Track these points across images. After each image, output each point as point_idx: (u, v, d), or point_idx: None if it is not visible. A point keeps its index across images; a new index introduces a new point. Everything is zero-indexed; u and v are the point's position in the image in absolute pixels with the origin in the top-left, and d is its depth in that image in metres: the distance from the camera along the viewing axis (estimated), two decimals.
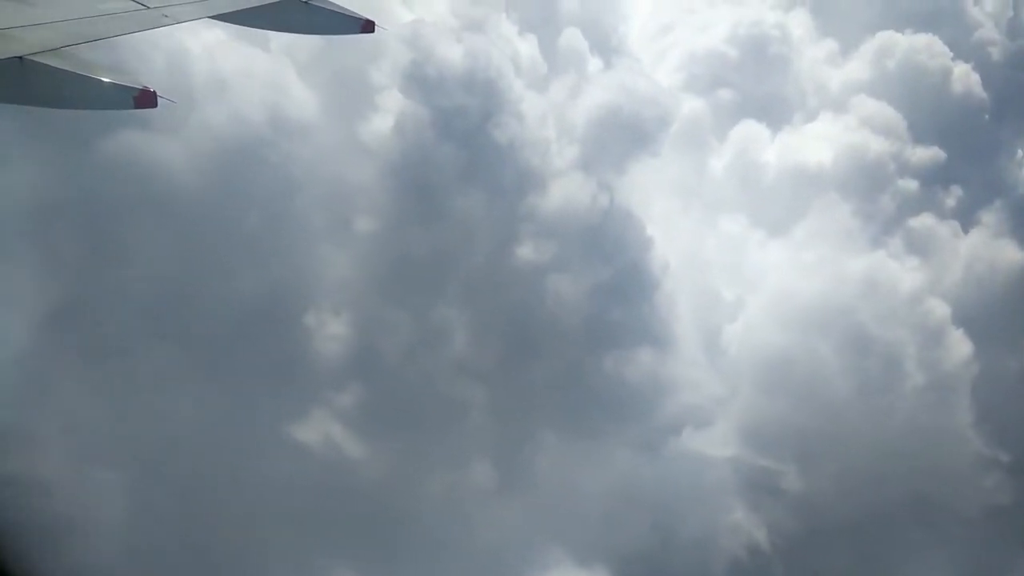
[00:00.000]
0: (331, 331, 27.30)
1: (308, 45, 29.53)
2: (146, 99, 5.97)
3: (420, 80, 28.35)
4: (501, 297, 29.03)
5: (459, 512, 26.19)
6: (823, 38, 50.35)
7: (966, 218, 39.29)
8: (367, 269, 28.01)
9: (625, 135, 32.25)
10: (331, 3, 8.85)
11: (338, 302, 27.73)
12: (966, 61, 43.60)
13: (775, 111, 45.65)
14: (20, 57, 5.66)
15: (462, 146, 28.91)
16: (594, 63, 33.59)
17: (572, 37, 32.86)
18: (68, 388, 26.17)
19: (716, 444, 30.59)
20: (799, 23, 50.74)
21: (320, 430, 26.84)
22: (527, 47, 31.34)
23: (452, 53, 29.02)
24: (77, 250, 26.09)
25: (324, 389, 27.41)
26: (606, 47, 36.96)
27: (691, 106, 37.20)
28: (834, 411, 33.07)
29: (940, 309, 34.81)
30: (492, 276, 28.99)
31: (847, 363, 34.59)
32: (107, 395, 26.16)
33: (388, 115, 28.40)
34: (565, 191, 30.06)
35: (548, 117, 31.12)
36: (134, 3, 7.10)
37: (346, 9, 8.85)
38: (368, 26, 8.89)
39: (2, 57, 5.57)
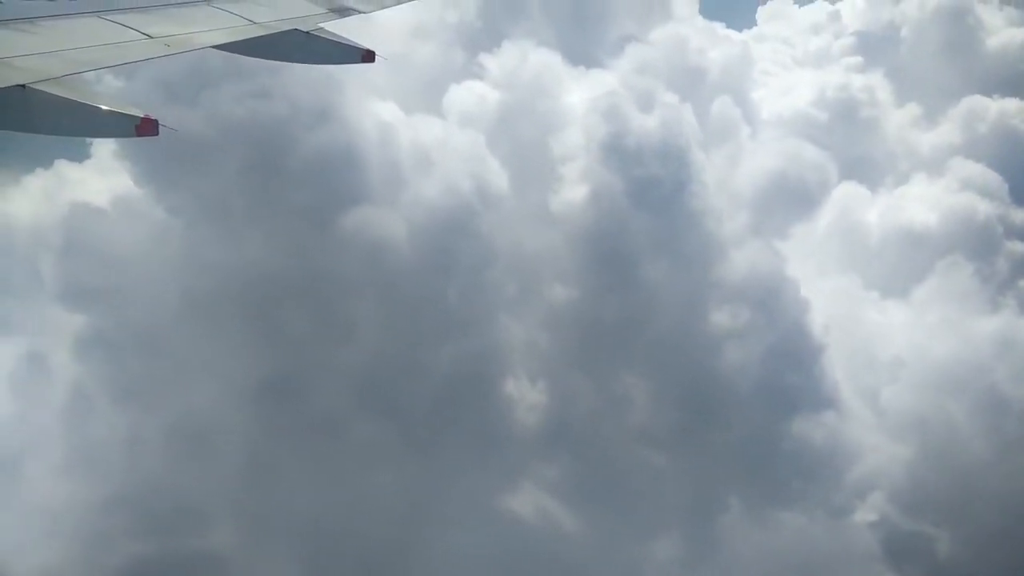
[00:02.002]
0: (529, 399, 27.48)
1: (492, 118, 30.26)
2: (148, 127, 6.02)
3: (614, 150, 29.03)
4: (680, 361, 29.35)
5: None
6: (904, 102, 52.01)
7: None
8: (560, 336, 28.32)
9: (775, 199, 33.05)
10: (332, 33, 9.00)
11: (533, 370, 27.97)
12: None
13: (868, 173, 46.76)
14: (23, 85, 5.77)
15: (633, 213, 29.55)
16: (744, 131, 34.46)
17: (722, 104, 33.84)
18: (279, 460, 26.10)
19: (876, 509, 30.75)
20: (880, 87, 52.45)
21: (517, 499, 26.87)
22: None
23: (641, 123, 29.80)
24: (290, 323, 26.23)
25: (518, 457, 27.50)
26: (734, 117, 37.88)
27: (788, 168, 37.89)
28: (977, 472, 33.45)
29: None
30: (671, 341, 29.36)
31: (985, 423, 35.09)
32: (317, 468, 26.10)
33: (577, 185, 29.03)
34: (731, 256, 30.69)
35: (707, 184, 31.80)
36: (136, 32, 7.24)
37: (347, 39, 8.98)
38: (368, 56, 8.99)
39: (5, 85, 5.68)
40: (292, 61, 9.15)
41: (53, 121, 6.04)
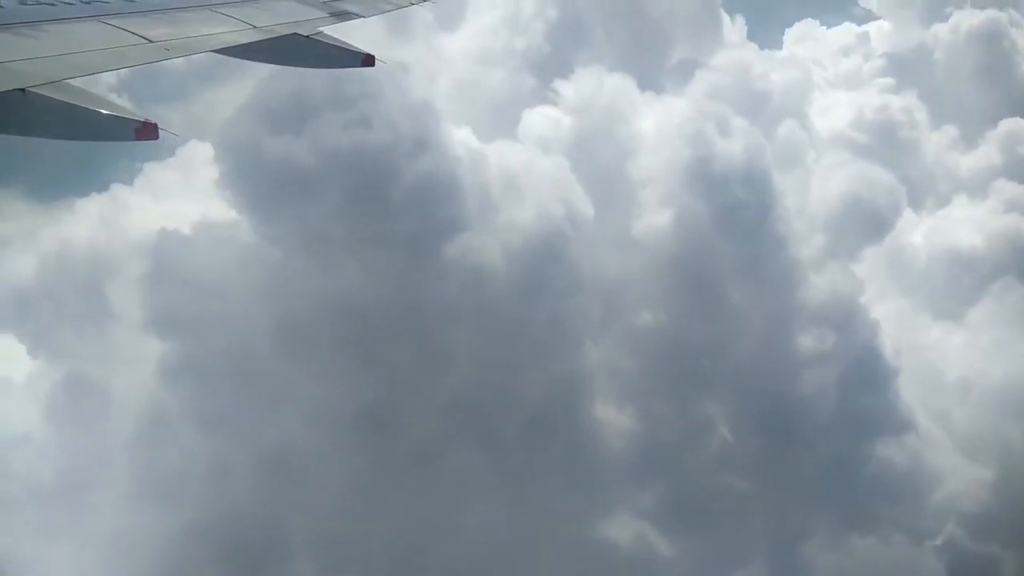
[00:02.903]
0: (618, 425, 27.49)
1: (569, 143, 30.43)
2: (147, 131, 6.07)
3: (693, 175, 29.28)
4: (761, 384, 29.46)
5: None
6: (940, 124, 52.47)
7: None
8: (645, 361, 28.38)
9: (846, 222, 33.37)
10: (332, 37, 9.05)
11: (622, 395, 28.00)
12: None
13: (910, 195, 46.99)
14: (23, 89, 5.82)
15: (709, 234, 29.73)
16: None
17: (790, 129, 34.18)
18: (369, 490, 25.99)
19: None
20: (916, 108, 52.92)
21: (608, 524, 26.83)
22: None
23: (718, 148, 30.06)
24: (380, 351, 26.21)
25: (608, 482, 27.48)
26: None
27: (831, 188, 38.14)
28: None
29: None
30: (752, 365, 29.47)
31: None
32: (408, 497, 26.01)
33: (658, 210, 29.22)
34: (809, 279, 30.88)
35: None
36: (136, 36, 7.26)
37: (347, 44, 9.04)
38: (368, 60, 9.01)
39: (5, 89, 5.72)
40: (292, 65, 9.33)
41: (53, 125, 6.07)
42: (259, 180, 26.19)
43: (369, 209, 26.01)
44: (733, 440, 29.03)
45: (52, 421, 29.64)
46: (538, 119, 31.62)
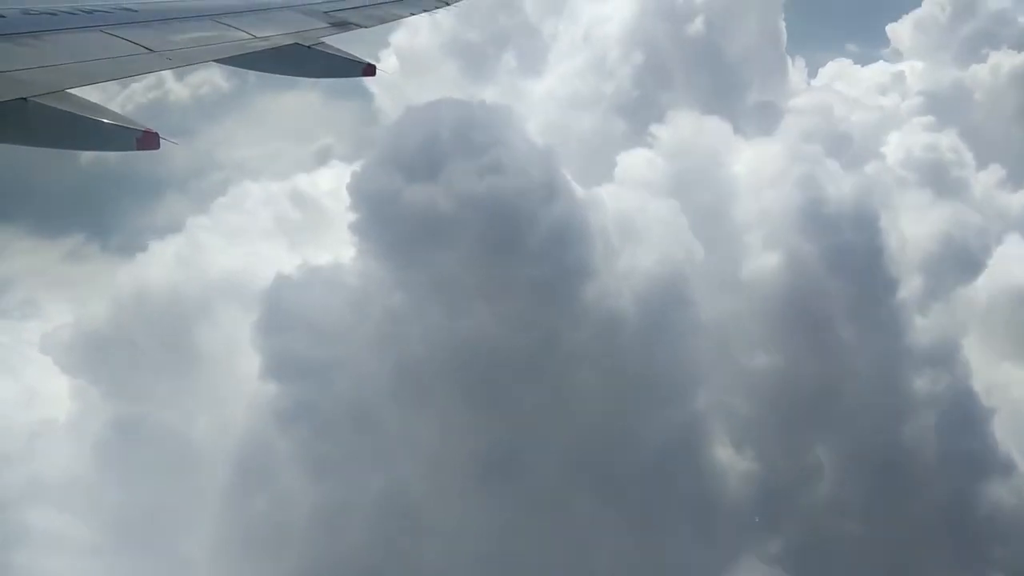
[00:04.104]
0: (738, 468, 27.38)
1: (668, 186, 30.63)
2: (149, 141, 6.10)
3: (797, 217, 29.52)
4: (871, 427, 29.45)
5: None
6: (985, 163, 53.17)
7: None
8: (761, 403, 28.35)
9: (940, 262, 33.65)
10: (333, 47, 9.13)
11: (739, 438, 27.92)
12: None
13: None
14: (25, 99, 5.88)
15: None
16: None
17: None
18: (490, 537, 25.68)
19: None
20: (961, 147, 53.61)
21: (735, 570, 26.56)
22: None
23: (818, 190, 30.34)
24: (500, 397, 26.05)
25: (729, 526, 27.29)
26: None
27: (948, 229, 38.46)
28: None
29: None
30: (861, 407, 29.50)
31: None
32: (530, 544, 25.71)
33: (765, 252, 29.39)
34: (911, 320, 31.04)
35: None
36: (137, 46, 7.35)
37: (348, 53, 9.12)
38: (369, 70, 9.14)
39: (6, 99, 5.78)
40: (294, 74, 9.31)
41: (55, 134, 6.09)
42: (376, 223, 26.17)
43: (491, 253, 26.00)
44: (844, 481, 28.92)
45: (140, 468, 29.19)
46: (635, 162, 31.83)
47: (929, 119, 55.13)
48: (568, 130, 34.41)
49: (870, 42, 71.92)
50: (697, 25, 37.63)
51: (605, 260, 26.54)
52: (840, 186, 30.86)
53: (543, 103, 35.95)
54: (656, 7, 38.29)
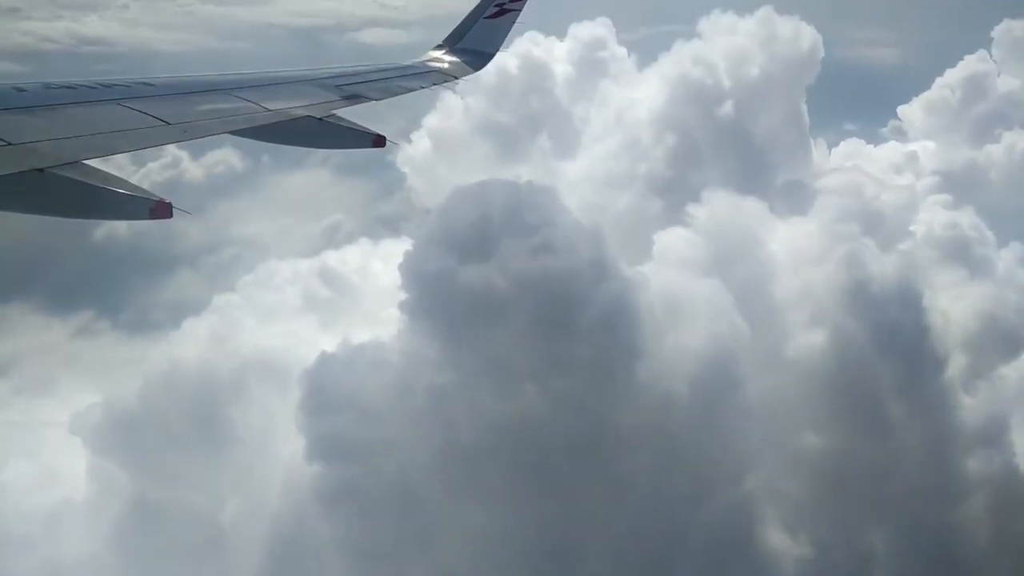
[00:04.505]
0: (794, 554, 26.61)
1: (708, 265, 30.69)
2: (162, 211, 6.20)
3: (839, 295, 29.45)
4: (923, 510, 28.77)
5: None
6: (1006, 241, 53.40)
7: None
8: (812, 485, 27.76)
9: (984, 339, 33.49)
10: (344, 119, 9.25)
11: (792, 522, 27.22)
12: None
13: None
14: (42, 169, 6.00)
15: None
16: None
17: None
18: None
19: None
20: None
21: None
22: None
23: (857, 269, 30.38)
24: (559, 482, 25.52)
25: None
26: None
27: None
28: None
29: None
30: (913, 490, 28.88)
31: None
32: None
33: (808, 331, 29.22)
34: (959, 400, 30.68)
35: None
36: (154, 119, 7.49)
37: (358, 125, 9.23)
38: (379, 141, 9.22)
39: (24, 169, 5.89)
40: (306, 146, 9.62)
41: (70, 203, 6.21)
42: (428, 302, 26.09)
43: (542, 333, 25.84)
44: (898, 567, 28.08)
45: (164, 550, 28.44)
46: (673, 240, 31.95)
47: (946, 197, 55.87)
48: (604, 209, 34.70)
49: (879, 123, 73.63)
50: (726, 108, 38.39)
51: (654, 340, 26.32)
52: (882, 264, 30.91)
53: (578, 183, 36.37)
54: (685, 92, 39.17)
